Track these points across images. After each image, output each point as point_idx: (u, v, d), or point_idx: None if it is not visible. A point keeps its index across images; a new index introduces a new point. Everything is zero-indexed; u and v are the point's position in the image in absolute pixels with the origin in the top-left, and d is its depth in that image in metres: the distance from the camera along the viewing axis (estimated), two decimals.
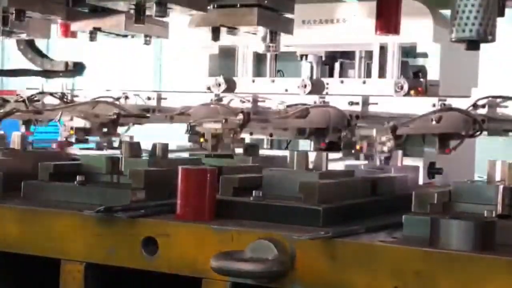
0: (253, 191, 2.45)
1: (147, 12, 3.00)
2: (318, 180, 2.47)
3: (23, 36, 3.91)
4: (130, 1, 2.91)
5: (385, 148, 3.25)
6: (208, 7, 3.36)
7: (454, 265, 1.93)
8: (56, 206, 2.54)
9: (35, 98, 4.22)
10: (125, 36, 3.96)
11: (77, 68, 4.59)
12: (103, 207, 2.36)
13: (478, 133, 3.57)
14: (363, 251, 2.04)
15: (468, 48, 2.12)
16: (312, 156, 2.78)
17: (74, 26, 3.86)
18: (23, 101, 4.05)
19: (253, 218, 2.35)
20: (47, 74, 4.61)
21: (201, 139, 3.47)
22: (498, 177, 2.38)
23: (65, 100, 4.38)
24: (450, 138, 3.58)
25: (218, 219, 2.34)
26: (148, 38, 3.85)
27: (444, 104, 3.77)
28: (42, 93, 4.35)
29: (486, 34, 2.02)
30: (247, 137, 3.84)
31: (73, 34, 4.11)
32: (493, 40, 2.08)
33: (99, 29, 3.82)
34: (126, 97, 4.76)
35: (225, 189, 2.47)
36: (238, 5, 3.49)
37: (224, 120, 2.99)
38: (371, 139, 3.26)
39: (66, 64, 4.48)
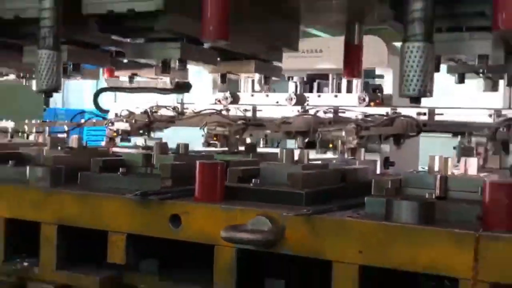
0: (253, 179, 2.45)
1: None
2: (301, 171, 2.47)
3: (79, 78, 3.88)
4: (158, 58, 2.91)
5: (351, 145, 3.27)
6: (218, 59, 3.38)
7: (403, 235, 1.93)
8: (104, 191, 2.53)
9: (154, 110, 4.27)
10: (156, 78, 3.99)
11: (184, 86, 4.57)
12: (140, 192, 2.35)
13: (419, 133, 3.62)
14: (336, 224, 2.04)
15: (411, 102, 2.12)
16: (296, 152, 2.77)
17: (118, 72, 3.87)
18: (145, 112, 4.11)
19: (253, 200, 2.34)
20: (162, 91, 4.59)
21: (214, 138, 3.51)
22: (436, 168, 2.37)
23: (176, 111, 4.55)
24: (400, 137, 3.60)
25: (226, 200, 2.33)
26: (172, 80, 3.88)
27: (395, 112, 3.79)
28: (158, 106, 4.40)
29: (426, 91, 2.02)
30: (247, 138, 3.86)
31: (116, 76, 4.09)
32: (430, 95, 2.08)
33: (136, 74, 3.84)
34: (227, 110, 4.83)
35: (232, 178, 2.46)
36: (240, 58, 3.52)
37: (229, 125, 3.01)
38: (341, 138, 3.27)
39: (177, 83, 4.45)
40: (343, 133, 3.31)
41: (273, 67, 3.76)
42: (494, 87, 3.24)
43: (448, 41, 2.21)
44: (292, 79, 5.38)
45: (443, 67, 2.76)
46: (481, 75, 3.11)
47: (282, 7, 3.38)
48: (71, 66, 3.27)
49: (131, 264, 2.43)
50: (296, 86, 5.49)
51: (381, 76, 4.40)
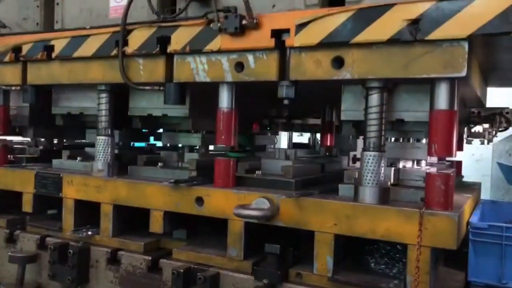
0: (256, 171, 2.45)
1: None
2: (292, 165, 2.46)
3: None
4: (185, 144, 2.89)
5: None
6: None
7: (366, 212, 1.93)
8: (147, 180, 2.52)
9: None
10: None
11: None
12: (173, 180, 2.36)
13: None
14: (317, 204, 2.03)
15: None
16: (289, 151, 2.77)
17: None
18: None
19: (256, 186, 2.33)
20: None
21: None
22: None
23: None
24: None
25: (237, 186, 2.33)
26: None
27: None
28: None
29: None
30: None
31: None
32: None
33: None
34: None
35: (241, 170, 2.44)
36: None
37: None
38: None
39: None
40: None
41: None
42: None
43: (395, 148, 2.30)
44: None
45: None
46: None
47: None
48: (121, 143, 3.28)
49: (166, 233, 2.43)
50: None
51: None
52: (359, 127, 2.19)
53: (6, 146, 3.12)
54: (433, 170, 2.14)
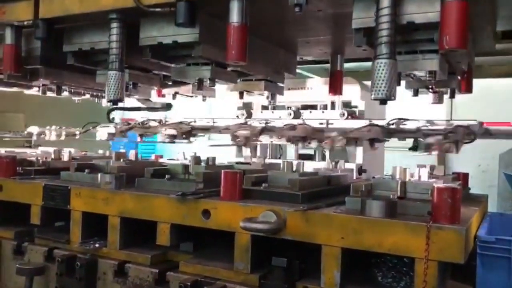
0: (263, 184, 2.45)
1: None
2: (298, 177, 2.46)
3: (136, 96, 3.93)
4: (194, 78, 2.92)
5: (339, 144, 3.15)
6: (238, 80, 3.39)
7: (373, 224, 1.93)
8: (154, 192, 2.53)
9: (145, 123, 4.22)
10: (191, 96, 3.98)
11: (168, 106, 4.59)
12: (180, 192, 2.36)
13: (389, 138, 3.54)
14: (324, 217, 2.04)
15: (381, 103, 2.09)
16: (295, 163, 2.78)
17: (164, 91, 3.90)
18: (141, 123, 4.03)
19: (263, 199, 2.33)
20: (151, 109, 4.59)
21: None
22: (397, 175, 2.37)
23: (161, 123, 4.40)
24: (374, 141, 3.52)
25: (243, 199, 2.33)
26: (204, 97, 3.86)
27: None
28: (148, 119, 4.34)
29: (391, 95, 2.01)
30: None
31: (163, 94, 4.10)
32: (394, 99, 2.06)
33: (177, 93, 3.86)
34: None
35: (247, 182, 2.45)
36: (253, 79, 3.52)
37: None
38: (332, 139, 3.13)
39: (162, 104, 4.49)
40: (334, 134, 3.20)
41: (278, 87, 3.76)
42: (440, 100, 3.18)
43: (406, 61, 2.22)
44: (290, 108, 5.38)
45: (403, 83, 2.75)
46: (430, 90, 3.06)
47: (283, 41, 3.39)
48: (131, 85, 3.31)
49: (173, 246, 2.44)
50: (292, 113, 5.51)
51: (356, 107, 4.35)
52: (371, 36, 2.11)
53: (14, 158, 3.15)
54: (440, 183, 2.14)
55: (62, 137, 4.61)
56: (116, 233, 2.54)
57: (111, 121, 5.35)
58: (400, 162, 2.84)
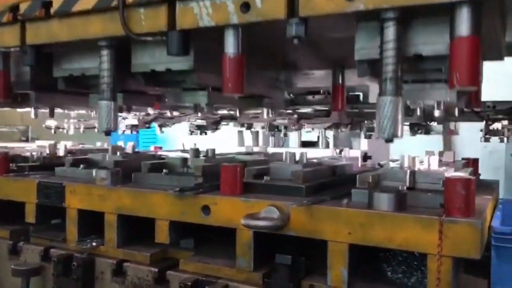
0: (264, 176, 2.35)
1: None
2: (302, 169, 2.36)
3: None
4: (190, 103, 2.78)
5: None
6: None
7: (382, 219, 1.83)
8: (152, 188, 2.44)
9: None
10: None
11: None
12: (179, 188, 2.27)
13: None
14: (329, 212, 1.94)
15: (386, 141, 1.93)
16: (298, 153, 2.66)
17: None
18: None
19: (265, 193, 2.24)
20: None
21: None
22: (406, 164, 2.26)
23: None
24: None
25: (244, 194, 2.23)
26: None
27: None
28: None
29: (396, 135, 1.85)
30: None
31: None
32: (400, 137, 1.90)
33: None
34: None
35: (248, 175, 2.35)
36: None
37: None
38: None
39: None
40: None
41: (277, 103, 3.53)
42: None
43: (413, 90, 2.06)
44: None
45: None
46: None
47: (284, 60, 3.23)
48: (126, 107, 3.19)
49: (173, 243, 2.35)
50: None
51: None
52: (375, 67, 1.96)
53: (7, 155, 3.05)
54: (452, 172, 2.03)
55: (81, 130, 4.55)
56: (113, 231, 2.45)
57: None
58: (404, 146, 2.72)
